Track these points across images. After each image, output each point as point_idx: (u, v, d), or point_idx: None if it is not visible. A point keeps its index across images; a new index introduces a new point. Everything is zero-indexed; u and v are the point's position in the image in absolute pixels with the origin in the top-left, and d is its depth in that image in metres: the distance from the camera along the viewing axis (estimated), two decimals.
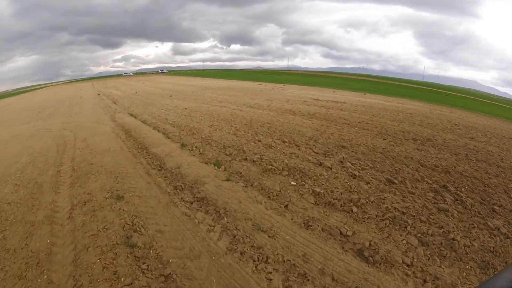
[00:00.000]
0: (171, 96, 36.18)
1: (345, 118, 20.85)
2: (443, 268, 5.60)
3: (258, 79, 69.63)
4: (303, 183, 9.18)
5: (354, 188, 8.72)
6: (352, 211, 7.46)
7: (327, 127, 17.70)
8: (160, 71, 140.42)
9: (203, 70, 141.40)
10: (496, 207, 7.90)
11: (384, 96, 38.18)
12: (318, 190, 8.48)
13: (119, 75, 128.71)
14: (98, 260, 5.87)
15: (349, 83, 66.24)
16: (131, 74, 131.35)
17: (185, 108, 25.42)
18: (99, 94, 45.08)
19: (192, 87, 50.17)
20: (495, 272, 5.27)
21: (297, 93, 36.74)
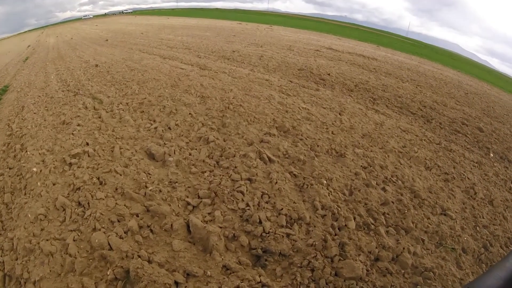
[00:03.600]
0: (107, 40, 22.49)
1: (439, 110, 8.68)
2: None
3: (236, 18, 53.03)
4: None
5: None
6: None
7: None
8: (122, 12, 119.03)
9: (173, 9, 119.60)
10: None
11: (401, 52, 26.93)
12: None
13: (79, 19, 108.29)
14: None
15: (343, 30, 52.15)
16: (91, 16, 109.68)
17: (96, 65, 11.60)
18: (29, 46, 33.16)
19: (149, 26, 35.06)
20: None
21: (295, 37, 23.08)
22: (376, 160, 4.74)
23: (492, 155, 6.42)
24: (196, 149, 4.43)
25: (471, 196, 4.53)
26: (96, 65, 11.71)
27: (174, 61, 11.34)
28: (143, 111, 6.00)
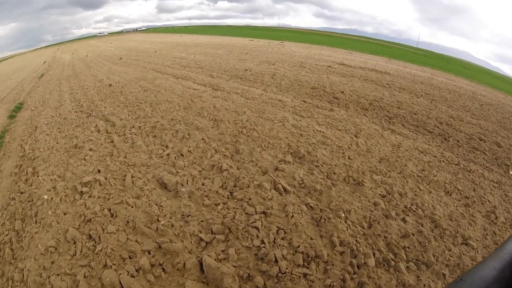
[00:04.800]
0: (121, 58, 22.85)
1: (456, 126, 8.49)
2: None
3: (248, 35, 53.78)
4: None
5: None
6: None
7: None
8: (136, 29, 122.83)
9: (186, 26, 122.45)
10: None
11: (412, 64, 26.53)
12: None
13: (94, 36, 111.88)
14: None
15: (354, 43, 52.25)
16: (106, 34, 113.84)
17: (110, 85, 11.88)
18: (45, 62, 33.95)
19: (162, 44, 35.80)
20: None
21: (306, 53, 23.09)
22: (395, 187, 4.57)
23: (511, 172, 6.14)
24: (209, 178, 4.34)
25: (492, 221, 4.32)
26: (110, 85, 11.91)
27: (187, 81, 11.43)
28: (155, 136, 5.99)
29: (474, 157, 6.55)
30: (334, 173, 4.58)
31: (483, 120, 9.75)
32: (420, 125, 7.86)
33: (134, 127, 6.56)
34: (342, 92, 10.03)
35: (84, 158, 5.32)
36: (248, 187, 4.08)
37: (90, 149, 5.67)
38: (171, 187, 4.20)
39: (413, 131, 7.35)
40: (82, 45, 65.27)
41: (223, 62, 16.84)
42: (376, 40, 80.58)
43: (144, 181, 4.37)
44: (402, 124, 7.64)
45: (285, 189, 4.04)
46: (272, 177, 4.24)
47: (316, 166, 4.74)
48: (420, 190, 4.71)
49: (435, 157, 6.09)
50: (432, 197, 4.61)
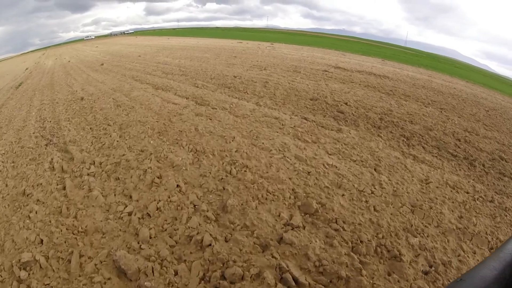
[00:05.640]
0: (102, 64, 21.28)
1: (475, 144, 7.48)
2: None
3: (237, 36, 51.84)
4: None
5: None
6: None
7: None
8: (123, 33, 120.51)
9: (174, 29, 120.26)
10: None
11: (406, 65, 25.32)
12: None
13: (81, 40, 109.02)
14: None
15: (345, 44, 51.30)
16: (93, 37, 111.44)
17: (82, 99, 10.57)
18: (27, 69, 32.11)
19: (148, 48, 34.14)
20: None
21: (299, 56, 21.84)
22: (436, 254, 3.31)
23: None
24: (185, 261, 2.96)
25: None
26: (82, 98, 10.49)
27: (167, 93, 9.98)
28: (117, 178, 4.57)
29: (504, 186, 5.40)
30: (361, 242, 3.25)
31: (496, 132, 8.80)
32: (441, 145, 6.63)
33: (94, 163, 5.14)
34: (346, 104, 8.75)
35: (28, 216, 3.95)
36: (243, 279, 2.71)
37: (38, 200, 4.29)
38: (132, 275, 2.82)
39: (436, 156, 6.09)
40: (68, 49, 63.72)
41: (210, 67, 15.39)
42: (365, 40, 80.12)
43: (95, 264, 3.00)
44: (423, 147, 6.38)
45: (296, 281, 2.69)
46: (276, 259, 2.88)
47: (336, 230, 3.39)
48: (464, 252, 3.47)
49: (467, 193, 4.86)
50: (477, 260, 3.41)
